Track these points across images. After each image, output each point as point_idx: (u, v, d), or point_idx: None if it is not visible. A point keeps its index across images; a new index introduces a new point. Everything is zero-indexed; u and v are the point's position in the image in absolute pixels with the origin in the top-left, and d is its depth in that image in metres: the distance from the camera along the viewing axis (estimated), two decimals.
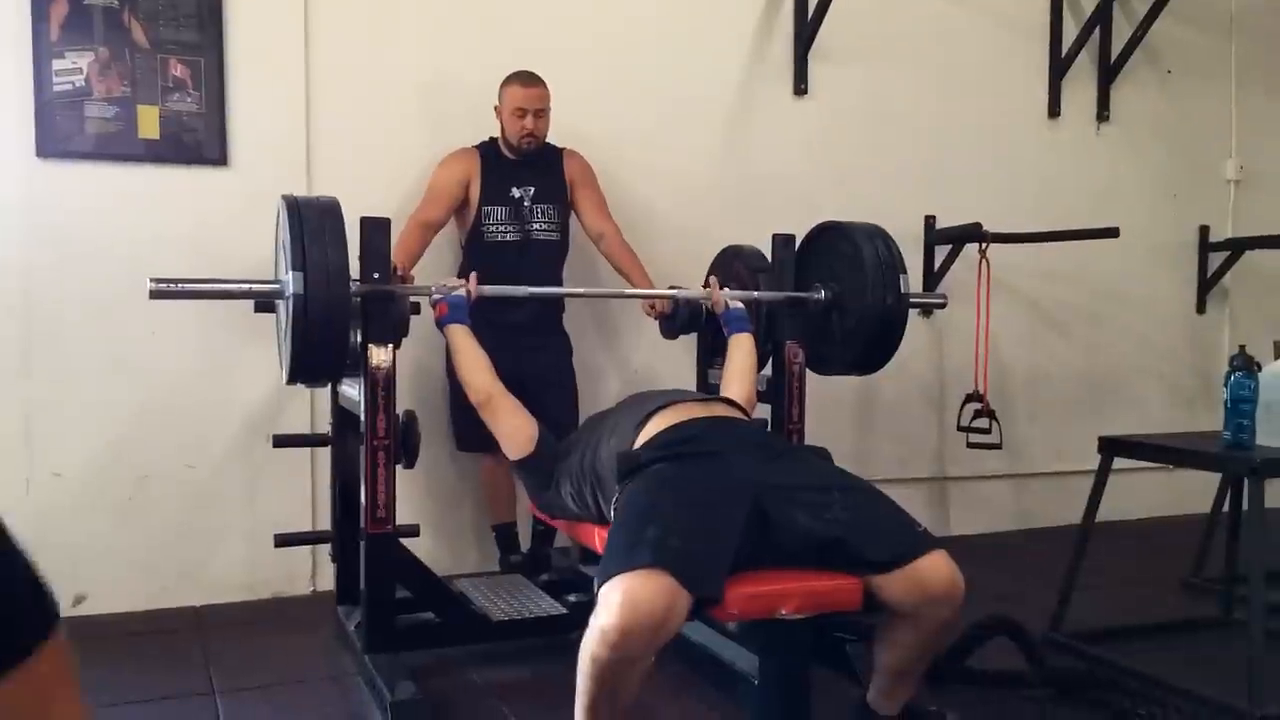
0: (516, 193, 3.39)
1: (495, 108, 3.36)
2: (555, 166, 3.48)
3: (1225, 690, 2.50)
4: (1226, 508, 3.33)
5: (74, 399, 3.16)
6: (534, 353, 3.31)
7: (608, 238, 3.48)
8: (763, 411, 3.05)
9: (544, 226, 3.41)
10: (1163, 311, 4.81)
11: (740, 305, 2.97)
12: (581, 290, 3.51)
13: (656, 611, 1.74)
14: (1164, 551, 4.02)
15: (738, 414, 2.45)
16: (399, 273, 3.01)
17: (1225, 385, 2.76)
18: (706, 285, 3.06)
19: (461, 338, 2.63)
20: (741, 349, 2.87)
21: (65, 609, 3.18)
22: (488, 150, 3.44)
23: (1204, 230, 4.81)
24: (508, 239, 3.38)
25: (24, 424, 3.13)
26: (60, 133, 3.12)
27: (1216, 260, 4.79)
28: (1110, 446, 3.01)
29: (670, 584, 1.77)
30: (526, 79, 3.31)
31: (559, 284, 3.43)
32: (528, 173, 3.41)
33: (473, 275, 2.76)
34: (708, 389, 3.17)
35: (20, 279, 3.11)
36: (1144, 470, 3.70)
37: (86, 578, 3.17)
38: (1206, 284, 4.83)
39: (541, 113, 3.33)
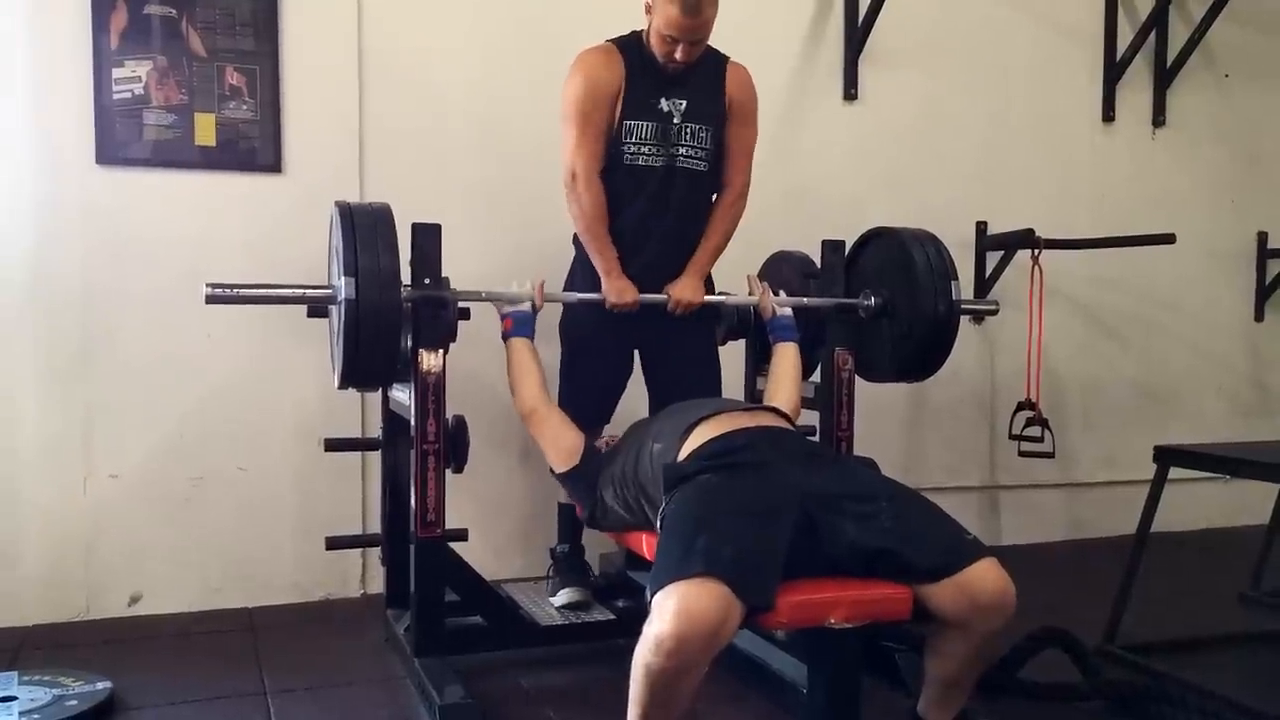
0: (665, 106, 2.81)
1: (646, 6, 2.76)
2: (715, 79, 2.88)
3: None
4: None
5: (131, 401, 3.22)
6: (662, 322, 2.89)
7: (731, 190, 2.96)
8: (811, 418, 3.04)
9: (691, 152, 2.85)
10: (1220, 319, 4.72)
11: (789, 313, 2.96)
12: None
13: (711, 620, 1.74)
14: (1221, 564, 3.95)
15: (784, 423, 2.43)
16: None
17: None
18: (752, 290, 3.02)
19: (521, 351, 2.70)
20: (786, 358, 2.87)
21: (121, 608, 3.25)
22: (631, 50, 2.82)
23: (1262, 236, 4.73)
24: (651, 164, 2.83)
25: (82, 425, 3.18)
26: (119, 140, 3.17)
27: (1275, 267, 4.72)
28: (1166, 456, 2.96)
29: (724, 592, 1.76)
30: (689, 2, 2.62)
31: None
32: (680, 83, 2.81)
33: (540, 285, 2.78)
34: (755, 395, 3.15)
35: (79, 283, 3.17)
36: (1200, 480, 3.63)
37: (142, 577, 3.23)
38: (1265, 291, 4.75)
39: (699, 42, 2.73)
